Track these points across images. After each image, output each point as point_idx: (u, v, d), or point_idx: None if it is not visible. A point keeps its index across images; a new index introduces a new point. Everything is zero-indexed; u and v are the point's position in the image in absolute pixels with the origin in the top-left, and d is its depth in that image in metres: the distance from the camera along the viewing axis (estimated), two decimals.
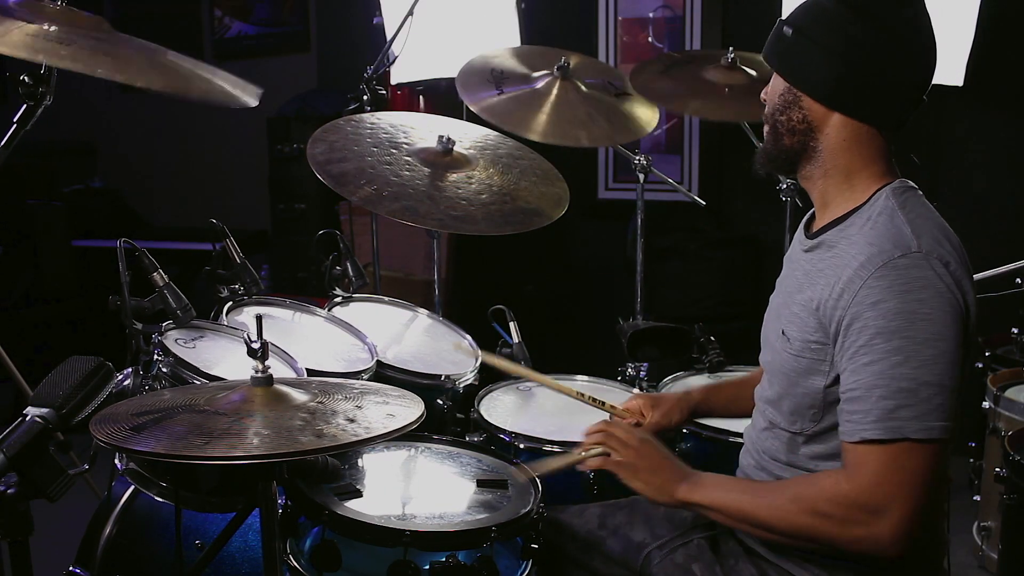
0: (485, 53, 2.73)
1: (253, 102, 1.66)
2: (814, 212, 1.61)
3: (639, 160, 2.80)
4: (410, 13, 2.67)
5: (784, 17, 1.52)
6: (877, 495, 1.33)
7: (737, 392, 1.87)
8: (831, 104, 1.46)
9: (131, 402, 1.38)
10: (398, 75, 3.34)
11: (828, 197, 1.52)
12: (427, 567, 1.48)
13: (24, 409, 1.28)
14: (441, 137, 2.24)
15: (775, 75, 1.52)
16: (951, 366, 1.32)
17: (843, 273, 1.39)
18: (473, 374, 2.26)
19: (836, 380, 1.41)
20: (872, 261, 1.36)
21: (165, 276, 1.81)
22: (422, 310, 2.53)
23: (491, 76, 2.60)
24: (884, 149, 1.49)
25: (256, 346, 1.33)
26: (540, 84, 2.63)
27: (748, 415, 1.71)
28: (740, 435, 1.95)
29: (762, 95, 1.57)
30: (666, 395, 1.93)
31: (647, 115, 2.71)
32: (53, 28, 1.46)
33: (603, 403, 1.83)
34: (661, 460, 1.54)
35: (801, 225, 1.64)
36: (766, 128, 1.55)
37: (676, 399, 1.88)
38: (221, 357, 1.84)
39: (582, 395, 1.84)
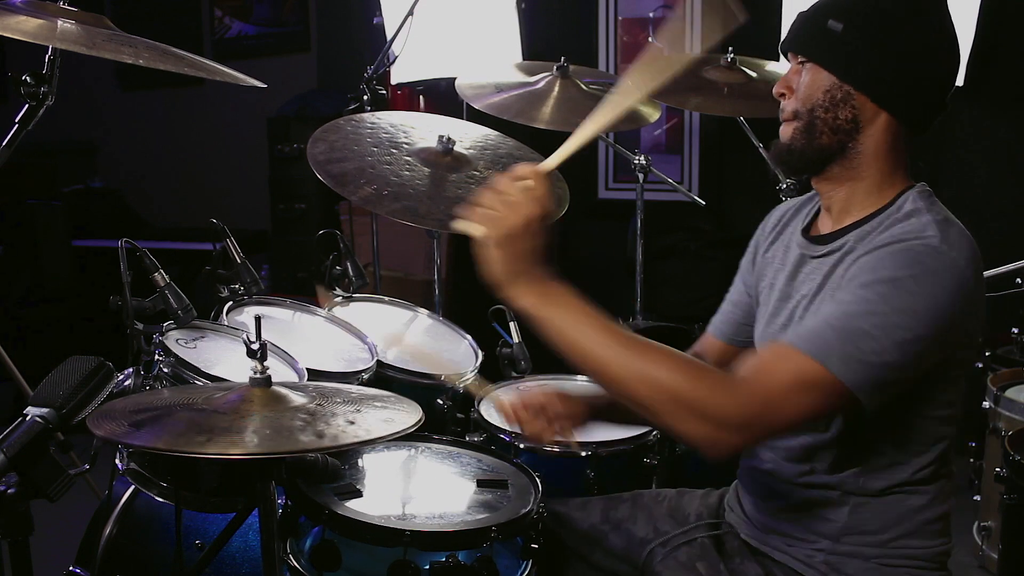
0: (484, 71, 2.73)
1: (262, 84, 1.68)
2: (816, 214, 1.58)
3: (639, 160, 2.80)
4: (410, 13, 2.67)
5: (816, 9, 1.46)
6: (760, 415, 1.27)
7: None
8: (885, 103, 1.42)
9: (128, 399, 1.38)
10: (398, 75, 3.34)
11: (853, 201, 1.48)
12: (427, 567, 1.48)
13: (24, 409, 1.28)
14: (441, 137, 2.24)
15: (813, 69, 1.45)
16: (908, 345, 1.28)
17: (860, 256, 1.37)
18: (473, 374, 2.26)
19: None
20: (890, 245, 1.34)
21: (166, 276, 1.81)
22: (422, 310, 2.53)
23: (493, 88, 2.62)
24: (909, 152, 1.48)
25: (255, 347, 1.33)
26: (541, 84, 2.64)
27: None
28: None
29: (778, 89, 1.50)
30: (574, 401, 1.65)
31: (648, 108, 2.72)
32: (63, 22, 1.47)
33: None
34: (528, 248, 1.31)
35: (793, 225, 1.60)
36: (797, 124, 1.47)
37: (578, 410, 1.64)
38: (222, 357, 1.84)
39: None
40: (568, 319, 1.33)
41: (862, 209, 1.47)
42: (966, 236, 1.38)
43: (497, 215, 1.31)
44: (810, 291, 1.49)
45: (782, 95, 1.50)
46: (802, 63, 1.47)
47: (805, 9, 1.49)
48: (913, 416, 1.41)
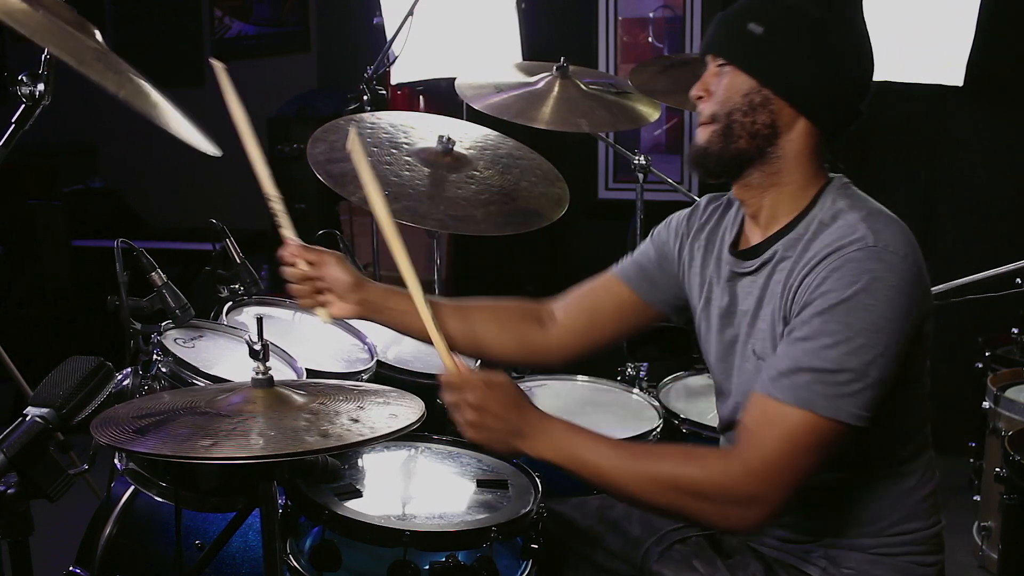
0: (484, 71, 2.73)
1: (213, 152, 1.67)
2: (742, 223, 1.55)
3: (639, 160, 2.80)
4: (410, 13, 2.67)
5: (736, 11, 1.45)
6: (764, 484, 1.30)
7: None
8: (805, 109, 1.42)
9: (130, 405, 1.38)
10: (398, 75, 3.34)
11: (779, 208, 1.47)
12: (427, 567, 1.48)
13: (24, 409, 1.28)
14: (441, 137, 2.24)
15: (732, 72, 1.44)
16: (881, 359, 1.29)
17: (801, 271, 1.38)
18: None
19: None
20: (829, 257, 1.34)
21: (163, 276, 1.81)
22: None
23: (492, 89, 2.61)
24: (827, 155, 1.47)
25: (257, 347, 1.33)
26: (540, 84, 2.64)
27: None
28: None
29: (696, 92, 1.49)
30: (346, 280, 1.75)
31: (648, 108, 2.72)
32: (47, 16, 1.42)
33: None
34: (505, 412, 1.40)
35: (720, 236, 1.58)
36: (714, 127, 1.46)
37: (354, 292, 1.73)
38: (220, 356, 1.84)
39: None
40: (579, 452, 1.39)
41: (788, 215, 1.46)
42: (895, 222, 1.39)
43: (472, 422, 1.40)
44: (750, 307, 1.48)
45: (699, 98, 1.49)
46: (721, 66, 1.46)
47: (724, 11, 1.48)
48: (889, 400, 1.39)
